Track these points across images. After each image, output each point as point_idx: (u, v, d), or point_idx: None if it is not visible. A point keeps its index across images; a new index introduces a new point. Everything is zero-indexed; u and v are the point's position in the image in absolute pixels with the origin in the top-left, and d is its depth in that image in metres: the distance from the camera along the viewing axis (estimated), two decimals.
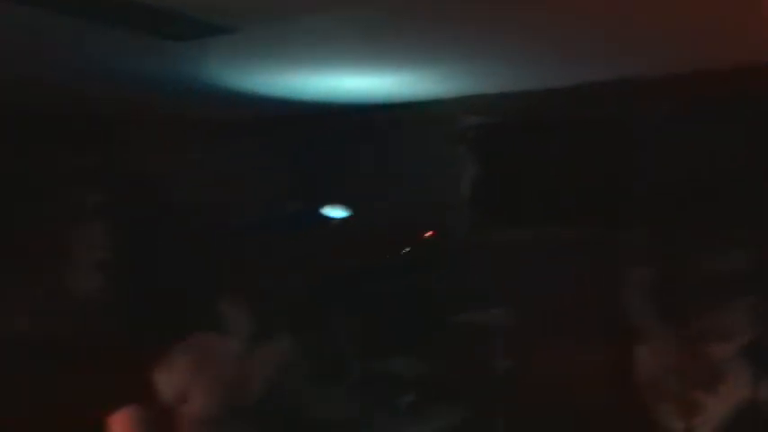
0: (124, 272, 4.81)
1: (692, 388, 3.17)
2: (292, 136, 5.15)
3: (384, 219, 4.62)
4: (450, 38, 3.39)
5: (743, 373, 3.10)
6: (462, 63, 3.91)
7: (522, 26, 3.17)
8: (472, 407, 3.64)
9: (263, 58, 3.77)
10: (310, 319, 4.22)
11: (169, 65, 3.79)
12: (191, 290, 3.62)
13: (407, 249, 4.36)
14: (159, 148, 5.01)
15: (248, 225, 4.89)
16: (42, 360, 4.07)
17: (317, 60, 3.82)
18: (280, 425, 3.47)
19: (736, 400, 3.12)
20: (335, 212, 4.54)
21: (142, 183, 5.02)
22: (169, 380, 3.11)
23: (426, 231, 4.47)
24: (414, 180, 4.72)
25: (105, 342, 4.22)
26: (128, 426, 3.03)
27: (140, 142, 5.04)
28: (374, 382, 3.86)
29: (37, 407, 3.90)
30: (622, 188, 4.16)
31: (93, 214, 4.93)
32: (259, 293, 3.65)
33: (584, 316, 3.99)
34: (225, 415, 3.24)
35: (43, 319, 4.36)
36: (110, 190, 4.94)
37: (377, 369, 3.87)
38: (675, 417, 3.16)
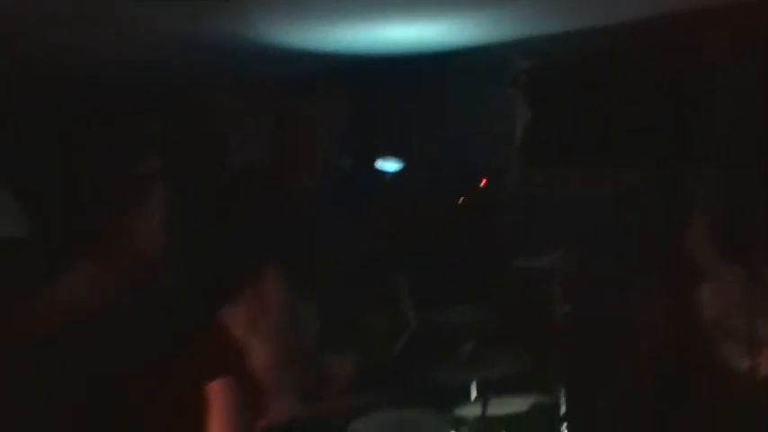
0: (185, 235, 4.88)
1: (757, 325, 3.09)
2: (343, 90, 5.13)
3: (438, 168, 4.59)
4: None
5: None
6: (511, 6, 3.84)
7: None
8: (531, 353, 3.63)
9: (309, 12, 3.76)
10: (366, 273, 4.25)
11: (215, 24, 3.81)
12: (247, 248, 3.66)
13: (462, 198, 4.34)
14: (213, 110, 5.05)
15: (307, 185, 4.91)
16: (126, 331, 4.13)
17: (364, 11, 3.79)
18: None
19: None
20: (389, 165, 4.53)
21: (199, 145, 5.07)
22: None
23: (481, 179, 4.44)
24: (466, 128, 4.68)
25: (182, 306, 4.28)
26: (227, 393, 3.08)
27: (193, 104, 5.09)
28: (433, 332, 3.87)
29: (134, 379, 3.95)
30: (684, 127, 4.06)
31: (153, 178, 5.00)
32: (314, 249, 3.69)
33: (645, 257, 3.92)
34: (286, 362, 3.29)
35: (122, 289, 4.40)
36: (168, 153, 4.99)
37: (435, 319, 3.88)
38: (740, 354, 3.10)
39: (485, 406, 3.53)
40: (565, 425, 3.81)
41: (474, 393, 3.86)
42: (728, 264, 3.18)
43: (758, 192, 3.25)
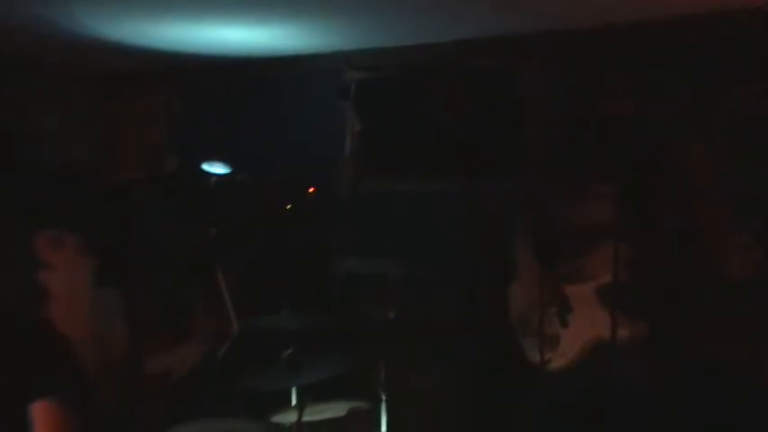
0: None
1: (551, 323, 3.40)
2: (170, 90, 5.03)
3: (266, 175, 4.58)
4: None
5: (597, 313, 3.33)
6: (341, 18, 3.90)
7: None
8: (354, 357, 3.70)
9: (139, 8, 3.66)
10: (190, 279, 4.17)
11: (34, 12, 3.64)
12: None
13: (290, 206, 4.35)
14: (31, 103, 4.82)
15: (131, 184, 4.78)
16: None
17: (197, 11, 3.74)
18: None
19: (588, 337, 3.38)
20: (217, 168, 4.46)
21: (14, 140, 4.82)
22: None
23: (309, 187, 4.46)
24: (296, 135, 4.69)
25: None
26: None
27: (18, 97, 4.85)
28: (254, 338, 3.84)
29: None
30: (501, 140, 4.26)
31: None
32: (136, 248, 3.58)
33: (465, 262, 4.07)
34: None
35: None
36: None
37: (256, 325, 3.86)
38: (536, 349, 3.39)
39: (301, 412, 3.54)
40: (383, 431, 3.88)
41: (293, 400, 3.86)
42: (534, 263, 3.44)
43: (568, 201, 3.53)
